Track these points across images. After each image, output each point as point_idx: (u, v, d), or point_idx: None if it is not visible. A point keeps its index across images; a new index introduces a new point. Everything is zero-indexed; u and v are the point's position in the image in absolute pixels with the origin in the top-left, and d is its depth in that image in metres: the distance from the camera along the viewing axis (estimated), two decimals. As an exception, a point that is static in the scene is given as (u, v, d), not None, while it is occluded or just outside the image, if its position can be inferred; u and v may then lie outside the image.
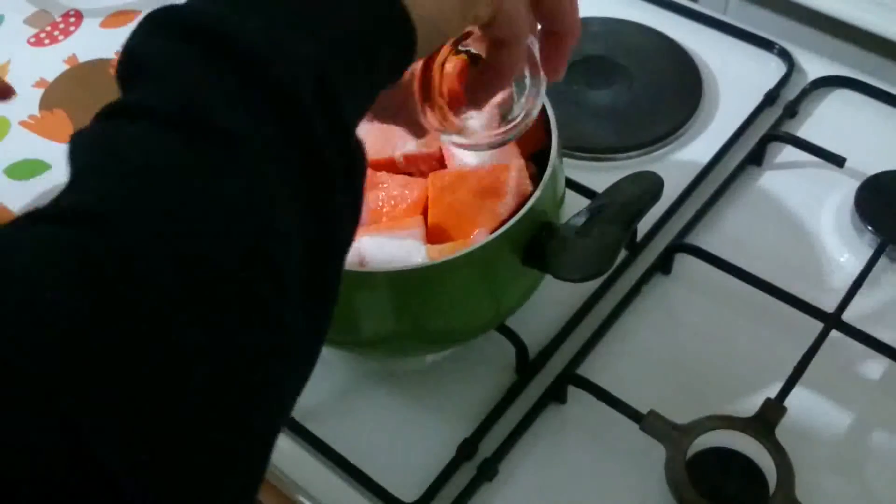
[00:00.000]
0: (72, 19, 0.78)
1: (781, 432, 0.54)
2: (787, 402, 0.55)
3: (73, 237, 0.25)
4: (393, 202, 0.56)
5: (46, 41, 0.76)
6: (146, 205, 0.26)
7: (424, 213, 0.55)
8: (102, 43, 0.75)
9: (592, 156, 0.73)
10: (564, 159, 0.72)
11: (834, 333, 0.59)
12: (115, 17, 0.78)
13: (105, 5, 0.79)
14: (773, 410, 0.54)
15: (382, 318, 0.55)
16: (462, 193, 0.55)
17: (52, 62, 0.74)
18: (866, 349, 0.59)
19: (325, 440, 0.59)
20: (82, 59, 0.74)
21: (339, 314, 0.54)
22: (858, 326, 0.60)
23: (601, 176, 0.65)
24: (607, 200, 0.50)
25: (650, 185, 0.51)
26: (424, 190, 0.56)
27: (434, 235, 0.54)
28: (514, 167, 0.55)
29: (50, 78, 0.72)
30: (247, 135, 0.28)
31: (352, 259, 0.52)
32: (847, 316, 0.60)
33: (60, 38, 0.76)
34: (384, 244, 0.52)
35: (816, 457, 0.56)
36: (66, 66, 0.73)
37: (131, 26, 0.77)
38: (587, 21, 0.83)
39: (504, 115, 0.48)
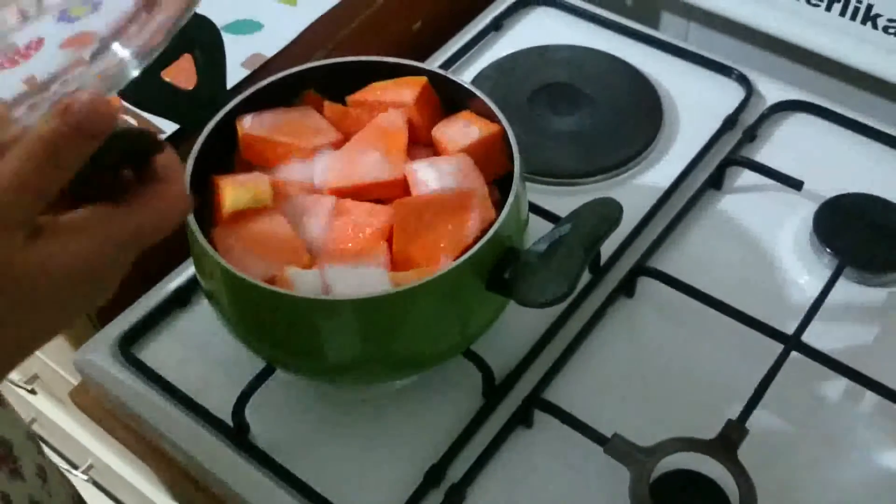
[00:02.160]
0: (34, 44, 0.77)
1: (743, 453, 0.54)
2: (749, 423, 0.56)
3: None
4: (357, 229, 0.56)
5: (6, 65, 0.75)
6: None
7: (389, 239, 0.56)
8: (61, 63, 0.75)
9: (556, 181, 0.74)
10: (529, 184, 0.73)
11: (794, 354, 0.60)
12: (74, 38, 0.77)
13: (66, 29, 0.79)
14: (734, 432, 0.55)
15: (348, 345, 0.55)
16: (426, 219, 0.55)
17: (10, 83, 0.73)
18: (826, 370, 0.60)
19: (291, 469, 0.58)
20: (41, 79, 0.74)
21: (305, 342, 0.54)
22: (818, 347, 0.61)
23: (565, 200, 0.66)
24: (568, 227, 0.51)
25: (609, 212, 0.52)
26: (389, 217, 0.56)
27: (399, 262, 0.55)
28: (478, 193, 0.56)
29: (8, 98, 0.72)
30: None
31: (316, 287, 0.52)
32: (807, 337, 0.61)
33: (21, 61, 0.76)
34: (348, 272, 0.53)
35: (778, 477, 0.57)
36: (24, 88, 0.73)
37: (92, 48, 0.77)
38: (551, 49, 0.84)
39: None
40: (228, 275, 0.52)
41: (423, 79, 0.62)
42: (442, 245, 0.54)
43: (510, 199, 0.54)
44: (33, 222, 0.36)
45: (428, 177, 0.57)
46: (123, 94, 0.57)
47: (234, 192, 0.56)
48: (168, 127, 0.70)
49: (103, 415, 0.69)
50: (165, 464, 0.66)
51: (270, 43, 0.77)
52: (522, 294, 0.51)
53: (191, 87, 0.60)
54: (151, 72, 0.57)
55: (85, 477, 1.09)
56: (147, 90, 0.57)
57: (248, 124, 0.60)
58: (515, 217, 0.55)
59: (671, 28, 0.93)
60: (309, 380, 0.62)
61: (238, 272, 0.51)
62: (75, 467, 1.10)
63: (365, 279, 0.52)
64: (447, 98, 0.63)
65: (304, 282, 0.52)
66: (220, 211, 0.56)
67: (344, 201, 0.57)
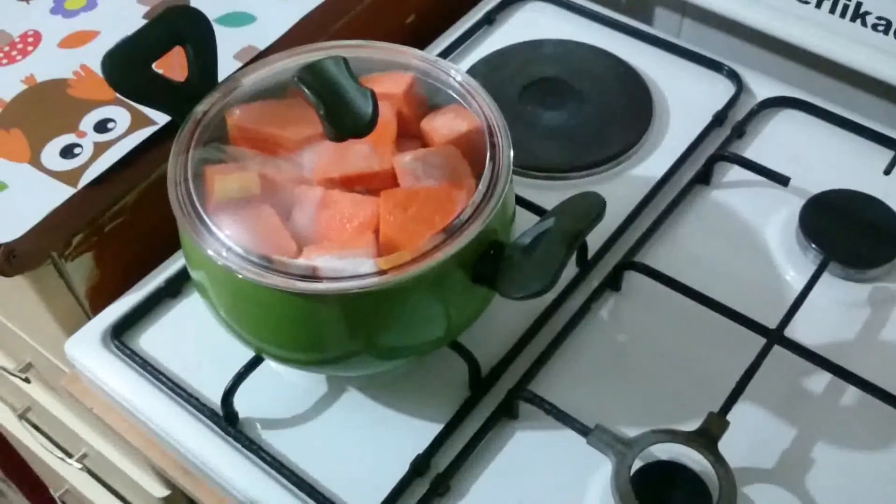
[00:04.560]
0: (30, 39, 0.78)
1: (725, 445, 0.55)
2: (731, 415, 0.57)
3: None
4: (345, 220, 0.57)
5: (4, 61, 0.76)
6: None
7: (376, 230, 0.56)
8: (60, 63, 0.75)
9: (545, 175, 0.74)
10: (518, 178, 0.73)
11: (777, 348, 0.61)
12: (73, 37, 0.78)
13: (63, 25, 0.79)
14: (716, 424, 0.56)
15: (335, 337, 0.55)
16: (414, 211, 0.56)
17: (9, 82, 0.74)
18: (808, 364, 0.61)
19: (277, 456, 0.59)
20: (40, 79, 0.74)
21: (292, 334, 0.55)
22: (800, 341, 0.62)
23: (554, 195, 0.66)
24: (552, 221, 0.51)
25: (592, 207, 0.52)
26: (377, 208, 0.57)
27: (386, 253, 0.55)
28: (465, 185, 0.56)
29: (7, 97, 0.73)
30: None
31: (304, 273, 0.53)
32: (790, 331, 0.62)
33: (18, 57, 0.76)
34: (335, 262, 0.53)
35: (759, 470, 0.57)
36: (24, 86, 0.74)
37: (90, 46, 0.78)
38: (543, 43, 0.84)
39: None
40: (216, 266, 0.52)
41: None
42: (429, 236, 0.55)
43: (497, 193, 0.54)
44: None
45: (416, 168, 0.58)
46: (115, 85, 0.57)
47: (222, 182, 0.56)
48: (160, 118, 0.71)
49: (96, 403, 0.70)
50: (157, 452, 0.67)
51: (263, 35, 0.77)
52: (506, 287, 0.52)
53: (182, 79, 0.60)
54: (143, 63, 0.58)
55: (79, 465, 1.10)
56: (139, 81, 0.58)
57: (237, 115, 0.60)
58: (502, 211, 0.56)
59: (665, 24, 0.93)
60: (296, 368, 0.63)
61: (226, 264, 0.52)
62: (70, 455, 1.11)
63: (352, 269, 0.53)
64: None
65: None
66: (210, 201, 0.56)
67: (332, 192, 0.58)
